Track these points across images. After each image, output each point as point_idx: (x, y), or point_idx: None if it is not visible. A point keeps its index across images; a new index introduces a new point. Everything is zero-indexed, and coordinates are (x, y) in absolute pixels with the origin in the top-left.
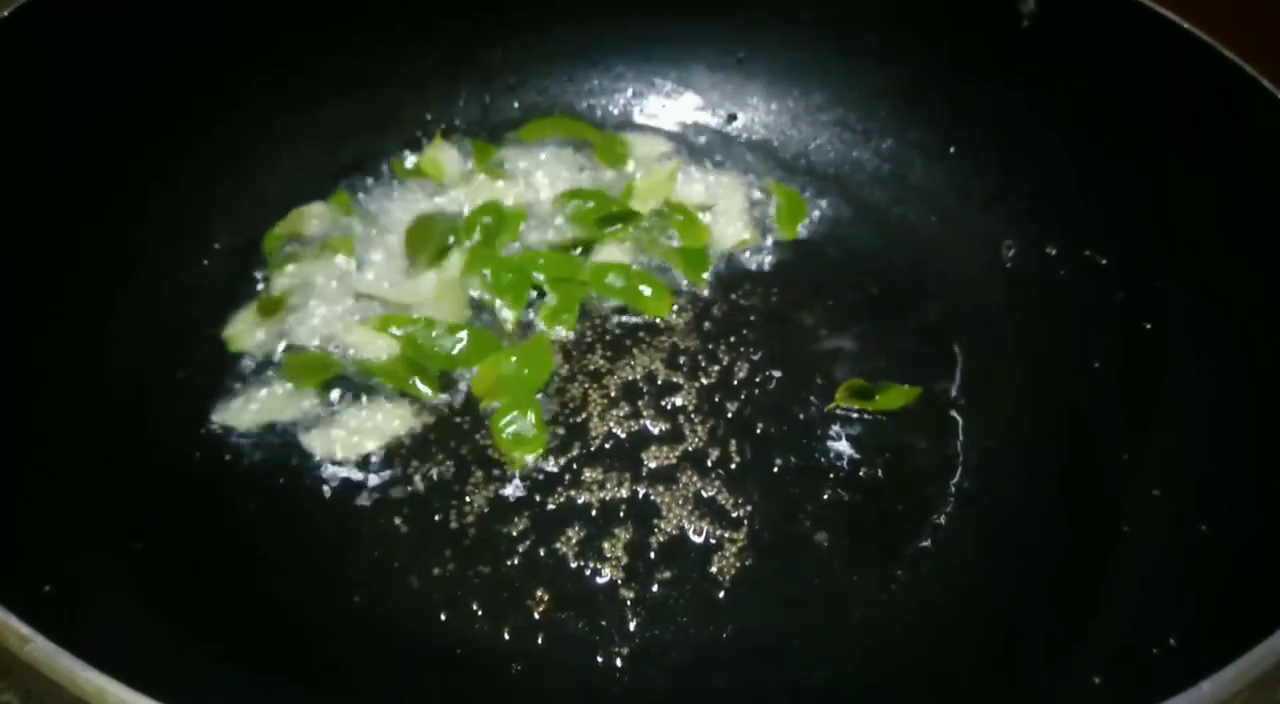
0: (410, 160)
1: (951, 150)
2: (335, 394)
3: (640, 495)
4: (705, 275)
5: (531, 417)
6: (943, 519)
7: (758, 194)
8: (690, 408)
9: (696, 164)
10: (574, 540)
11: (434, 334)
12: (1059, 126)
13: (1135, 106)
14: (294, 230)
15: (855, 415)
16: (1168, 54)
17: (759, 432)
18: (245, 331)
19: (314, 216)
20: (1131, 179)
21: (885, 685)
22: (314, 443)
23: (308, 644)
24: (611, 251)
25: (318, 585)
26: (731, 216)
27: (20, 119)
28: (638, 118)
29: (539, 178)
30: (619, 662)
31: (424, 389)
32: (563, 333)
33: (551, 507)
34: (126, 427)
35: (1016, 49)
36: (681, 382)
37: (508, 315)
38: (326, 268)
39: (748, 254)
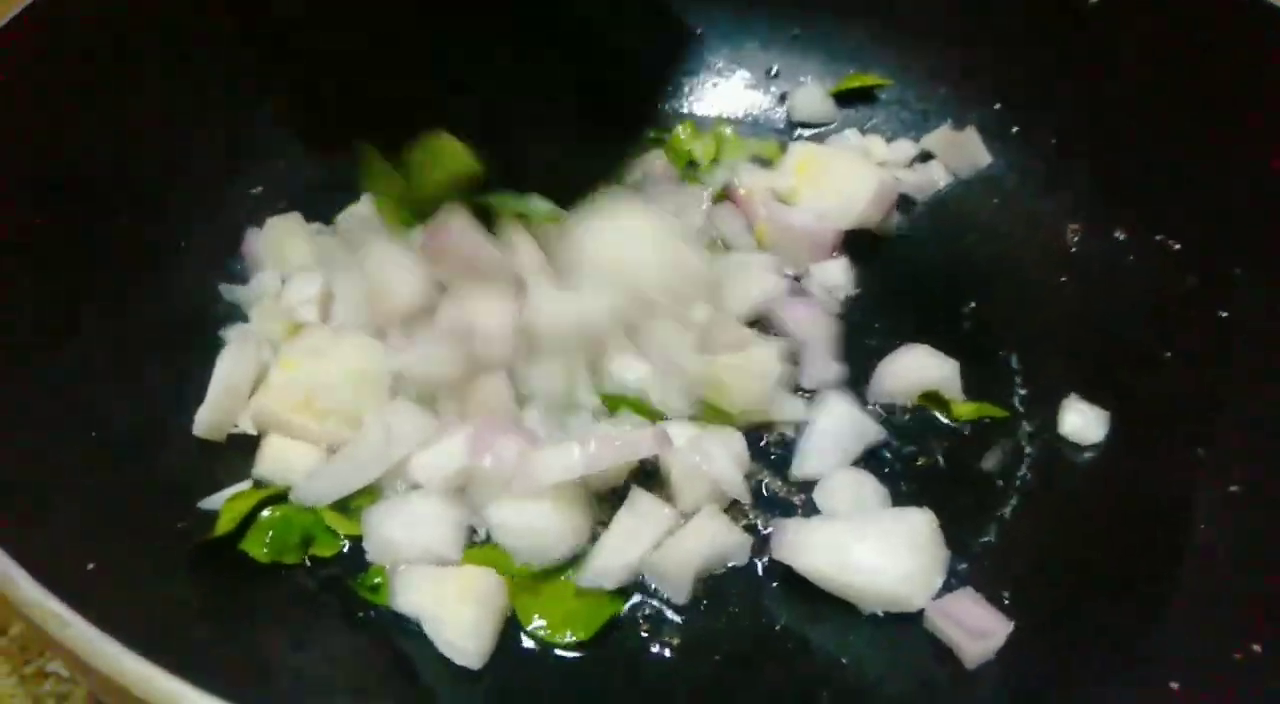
0: None
1: (1014, 131)
2: None
3: None
4: None
5: None
6: (1007, 513)
7: None
8: None
9: None
10: None
11: None
12: (1127, 106)
13: (1208, 84)
14: None
15: (913, 406)
16: (1242, 28)
17: None
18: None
19: None
20: (1204, 159)
21: (944, 684)
22: None
23: (346, 629)
24: None
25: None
26: None
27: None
28: (687, 98)
29: None
30: (669, 652)
31: None
32: None
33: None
34: (164, 405)
35: (1082, 26)
36: None
37: None
38: None
39: None
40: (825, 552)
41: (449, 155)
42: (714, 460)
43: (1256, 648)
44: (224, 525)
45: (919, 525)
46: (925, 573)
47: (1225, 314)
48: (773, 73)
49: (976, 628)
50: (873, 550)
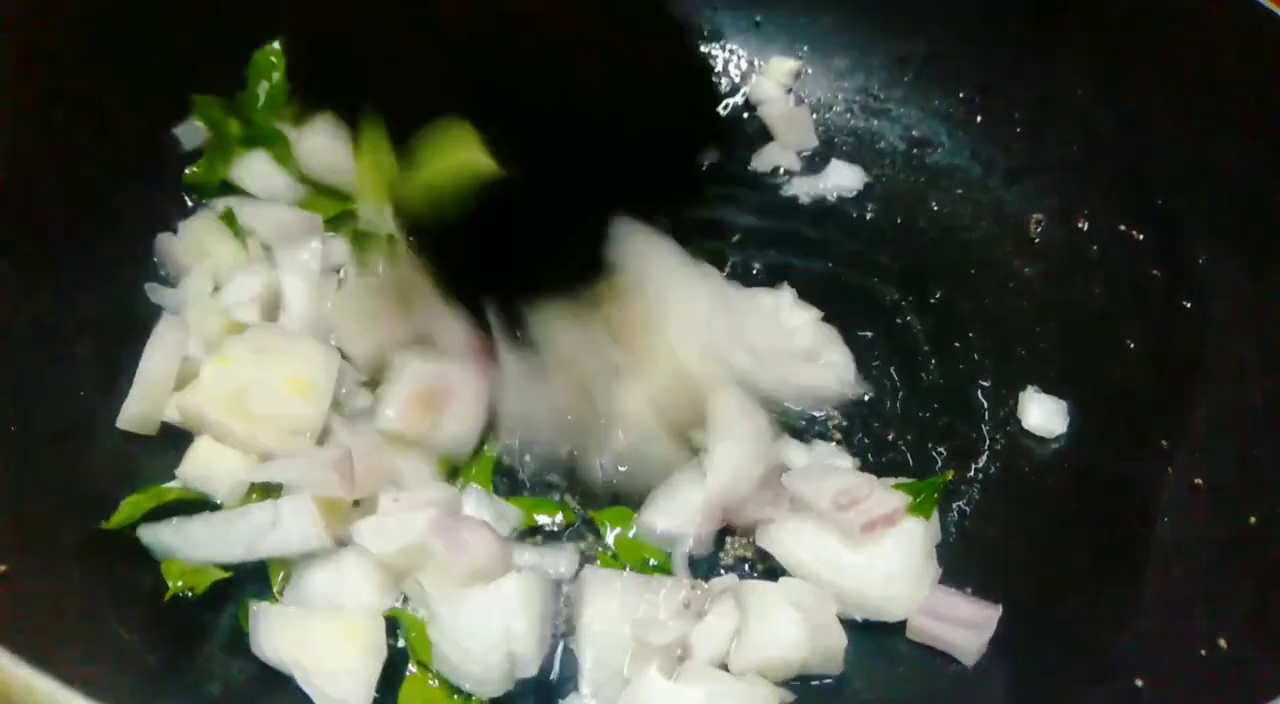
0: None
1: (978, 120)
2: None
3: None
4: None
5: None
6: (968, 508)
7: None
8: None
9: None
10: None
11: None
12: (1091, 94)
13: (1171, 71)
14: None
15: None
16: (1205, 18)
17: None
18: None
19: None
20: (1170, 148)
21: (911, 687)
22: None
23: None
24: None
25: None
26: None
27: None
28: None
29: None
30: None
31: None
32: None
33: None
34: (92, 399)
35: (1045, 15)
36: None
37: None
38: None
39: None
40: (812, 546)
41: (463, 148)
42: None
43: (1223, 643)
44: (119, 518)
45: (915, 534)
46: (913, 583)
47: (1189, 305)
48: (735, 59)
49: (969, 620)
50: (863, 551)
